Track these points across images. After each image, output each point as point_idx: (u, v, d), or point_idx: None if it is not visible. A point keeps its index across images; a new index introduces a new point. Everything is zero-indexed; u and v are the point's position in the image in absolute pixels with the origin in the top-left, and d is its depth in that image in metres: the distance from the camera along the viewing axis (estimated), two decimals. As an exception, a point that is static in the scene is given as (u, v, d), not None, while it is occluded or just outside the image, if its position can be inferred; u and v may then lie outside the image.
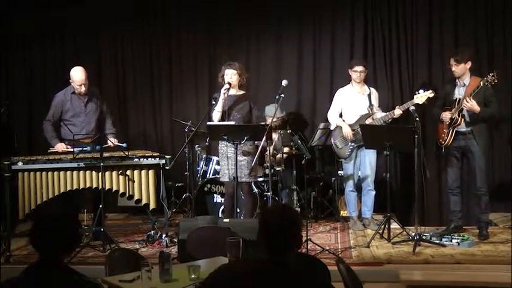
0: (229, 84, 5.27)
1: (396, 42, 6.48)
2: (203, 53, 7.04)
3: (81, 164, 5.14)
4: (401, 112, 5.54)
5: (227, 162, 5.33)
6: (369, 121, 5.75)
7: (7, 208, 4.96)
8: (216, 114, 5.32)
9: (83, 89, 5.55)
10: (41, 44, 7.17)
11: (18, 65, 7.21)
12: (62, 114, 5.61)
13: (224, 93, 5.24)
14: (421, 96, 5.45)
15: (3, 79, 7.19)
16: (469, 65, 5.33)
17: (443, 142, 5.37)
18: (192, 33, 7.05)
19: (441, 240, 5.17)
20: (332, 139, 5.94)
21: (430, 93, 5.45)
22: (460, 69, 5.30)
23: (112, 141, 5.56)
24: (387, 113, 5.71)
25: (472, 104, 5.13)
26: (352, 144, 5.80)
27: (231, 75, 5.33)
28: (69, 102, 5.60)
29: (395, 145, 5.21)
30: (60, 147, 5.51)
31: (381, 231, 5.34)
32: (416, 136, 5.00)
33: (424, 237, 5.14)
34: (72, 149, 5.30)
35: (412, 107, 5.28)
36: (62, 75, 7.07)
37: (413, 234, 5.09)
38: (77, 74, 5.53)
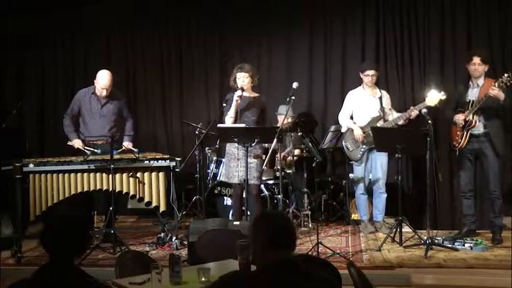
0: (242, 89, 5.24)
1: (408, 44, 6.44)
2: (214, 54, 7.05)
3: (92, 166, 5.15)
4: (418, 112, 5.45)
5: (237, 164, 5.31)
6: (380, 123, 5.71)
7: (18, 210, 4.98)
8: (229, 120, 5.29)
9: (104, 93, 5.57)
10: (52, 45, 7.21)
11: (29, 66, 7.24)
12: (80, 111, 5.64)
13: (237, 100, 5.21)
14: (434, 99, 5.40)
15: (15, 81, 7.24)
16: (487, 65, 5.28)
17: (457, 145, 5.31)
18: (203, 34, 7.06)
19: (454, 244, 5.12)
20: (343, 141, 5.90)
21: (442, 96, 5.41)
22: (483, 68, 5.24)
23: (125, 144, 5.59)
24: (402, 113, 5.65)
25: (498, 91, 5.03)
26: (364, 146, 5.77)
27: (243, 78, 5.30)
28: (88, 101, 5.63)
29: (407, 148, 5.17)
30: (77, 143, 5.53)
31: (392, 235, 5.30)
32: (428, 139, 4.95)
33: (436, 241, 5.10)
34: (84, 149, 5.36)
35: (425, 110, 5.23)
36: (72, 76, 7.17)
37: (425, 238, 5.04)
38: (103, 78, 5.55)
